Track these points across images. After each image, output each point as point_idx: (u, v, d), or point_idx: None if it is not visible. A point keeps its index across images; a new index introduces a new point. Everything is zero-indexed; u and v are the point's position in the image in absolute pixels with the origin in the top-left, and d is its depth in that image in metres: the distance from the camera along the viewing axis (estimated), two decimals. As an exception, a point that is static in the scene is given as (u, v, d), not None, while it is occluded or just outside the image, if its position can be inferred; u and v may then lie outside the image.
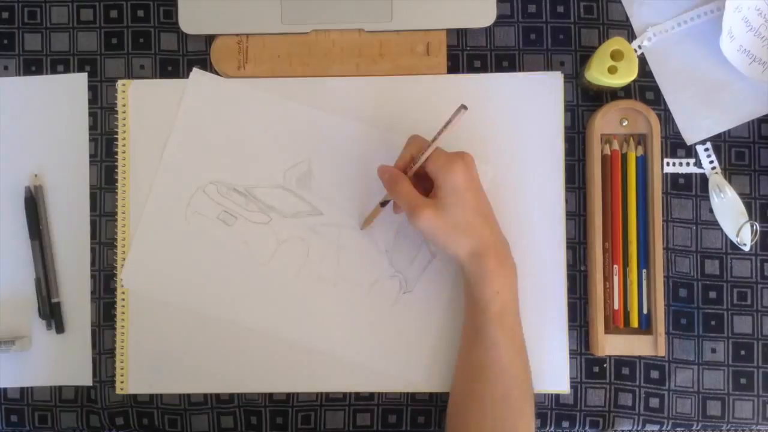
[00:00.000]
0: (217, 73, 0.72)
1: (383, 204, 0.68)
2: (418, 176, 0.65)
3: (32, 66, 0.73)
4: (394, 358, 0.70)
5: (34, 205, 0.71)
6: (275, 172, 0.71)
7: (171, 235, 0.71)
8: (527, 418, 0.63)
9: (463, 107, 0.60)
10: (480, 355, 0.63)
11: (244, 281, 0.70)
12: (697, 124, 0.71)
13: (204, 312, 0.70)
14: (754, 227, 0.70)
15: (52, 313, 0.71)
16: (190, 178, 0.71)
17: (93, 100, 0.73)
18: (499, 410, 0.62)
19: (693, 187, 0.71)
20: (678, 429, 0.70)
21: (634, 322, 0.69)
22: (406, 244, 0.70)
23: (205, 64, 0.72)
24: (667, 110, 0.71)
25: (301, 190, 0.71)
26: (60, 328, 0.71)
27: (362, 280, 0.70)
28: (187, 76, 0.72)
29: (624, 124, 0.70)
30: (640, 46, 0.71)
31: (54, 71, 0.73)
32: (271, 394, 0.71)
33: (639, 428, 0.70)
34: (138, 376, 0.71)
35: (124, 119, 0.72)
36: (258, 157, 0.71)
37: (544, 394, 0.70)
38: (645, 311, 0.69)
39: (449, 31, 0.72)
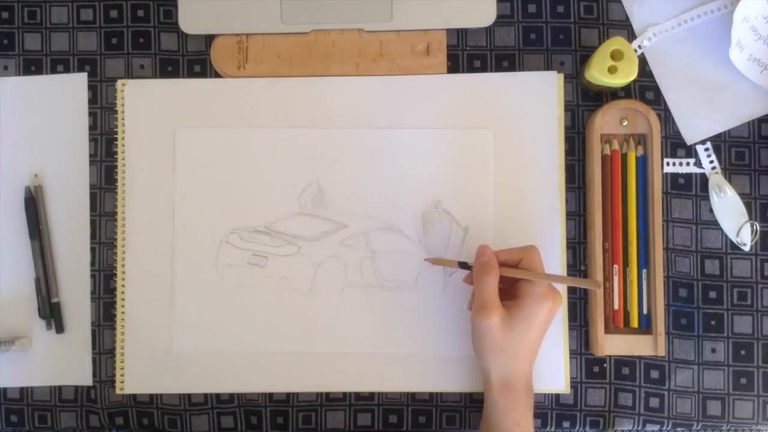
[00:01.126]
0: (217, 74, 0.72)
1: (461, 266, 0.67)
2: (503, 282, 0.64)
3: (32, 66, 0.73)
4: (459, 343, 0.70)
5: (33, 205, 0.71)
6: (288, 201, 0.70)
7: (209, 293, 0.70)
8: None
9: (598, 284, 0.62)
10: None
11: (291, 313, 0.70)
12: (697, 123, 0.71)
13: (259, 351, 0.70)
14: (754, 227, 0.70)
15: (51, 313, 0.71)
16: (209, 233, 0.71)
17: (93, 100, 0.73)
18: None
19: (693, 187, 0.71)
20: (678, 429, 0.70)
21: (634, 322, 0.69)
22: (436, 230, 0.70)
23: (205, 64, 0.72)
24: (667, 110, 0.71)
25: (318, 211, 0.71)
26: (60, 328, 0.71)
27: (406, 276, 0.70)
28: (187, 76, 0.72)
29: (624, 123, 0.70)
30: (640, 46, 0.71)
31: (54, 71, 0.73)
32: (271, 394, 0.71)
33: (639, 428, 0.70)
34: (138, 376, 0.71)
35: (124, 119, 0.72)
36: (267, 193, 0.71)
37: (544, 394, 0.70)
38: (645, 311, 0.69)
39: (449, 31, 0.72)
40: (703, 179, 0.71)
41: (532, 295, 0.62)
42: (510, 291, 0.65)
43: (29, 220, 0.71)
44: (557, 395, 0.70)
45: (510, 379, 0.63)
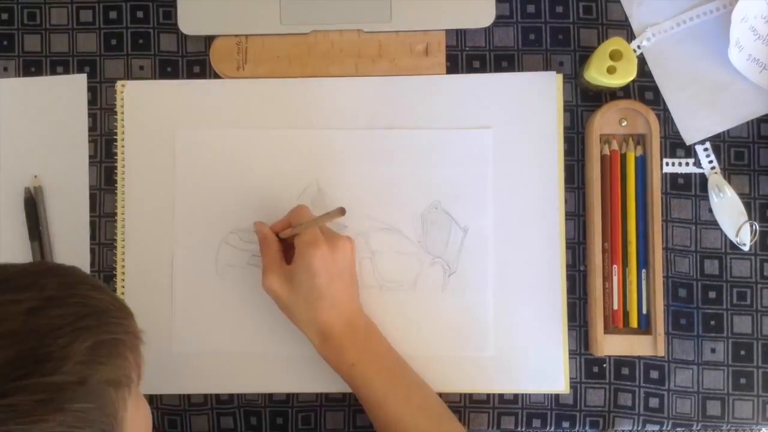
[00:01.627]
0: (217, 75, 0.72)
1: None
2: (292, 245, 0.65)
3: (32, 67, 0.73)
4: (459, 343, 0.70)
5: (33, 206, 0.71)
6: (288, 202, 0.70)
7: (208, 294, 0.71)
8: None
9: (341, 211, 0.60)
10: (377, 422, 0.64)
11: None
12: (697, 124, 0.71)
13: (258, 351, 0.70)
14: (754, 227, 0.70)
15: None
16: (209, 234, 0.71)
17: (92, 101, 0.73)
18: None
19: (692, 187, 0.71)
20: (678, 429, 0.70)
21: (634, 322, 0.69)
22: (435, 229, 0.70)
23: (205, 65, 0.72)
24: (666, 110, 0.71)
25: (317, 211, 0.71)
26: None
27: (405, 276, 0.70)
28: (187, 77, 0.72)
29: (623, 124, 0.70)
30: (639, 46, 0.71)
31: (53, 72, 0.73)
32: (271, 395, 0.71)
33: (639, 428, 0.70)
34: (138, 376, 0.71)
35: (123, 120, 0.72)
36: (267, 193, 0.71)
37: (544, 395, 0.70)
38: (644, 311, 0.69)
39: (448, 32, 0.72)
40: (703, 179, 0.71)
41: (298, 246, 0.63)
42: None
43: (29, 221, 0.71)
44: (557, 395, 0.70)
45: (322, 329, 0.63)
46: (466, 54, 0.72)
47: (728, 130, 0.71)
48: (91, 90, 0.73)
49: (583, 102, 0.72)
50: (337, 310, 0.64)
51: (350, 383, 0.64)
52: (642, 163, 0.70)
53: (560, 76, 0.71)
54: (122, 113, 0.72)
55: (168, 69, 0.73)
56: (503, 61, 0.72)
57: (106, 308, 0.48)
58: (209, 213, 0.71)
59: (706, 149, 0.71)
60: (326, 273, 0.62)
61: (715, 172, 0.71)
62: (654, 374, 0.70)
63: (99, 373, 0.45)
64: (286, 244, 0.66)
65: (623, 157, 0.70)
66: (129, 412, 0.48)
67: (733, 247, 0.71)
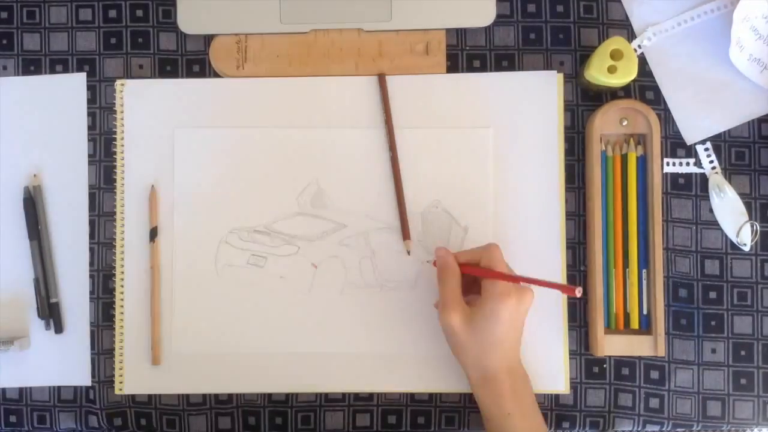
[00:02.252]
0: (216, 73, 0.72)
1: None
2: (468, 278, 0.65)
3: (31, 66, 0.73)
4: None
5: (32, 206, 0.71)
6: (288, 201, 0.70)
7: (208, 294, 0.70)
8: None
9: (579, 290, 0.59)
10: None
11: (291, 313, 0.70)
12: (697, 123, 0.71)
13: (258, 351, 0.70)
14: (754, 227, 0.70)
15: (50, 313, 0.71)
16: (208, 233, 0.71)
17: (92, 100, 0.72)
18: None
19: (693, 187, 0.71)
20: (678, 429, 0.70)
21: (634, 323, 0.69)
22: (435, 228, 0.70)
23: (204, 64, 0.72)
24: (667, 110, 0.71)
25: (318, 210, 0.70)
26: (59, 328, 0.71)
27: (405, 275, 0.70)
28: (186, 76, 0.72)
29: (624, 123, 0.70)
30: (639, 46, 0.71)
31: (53, 71, 0.73)
32: (270, 395, 0.71)
33: (639, 429, 0.70)
34: (137, 376, 0.70)
35: (123, 119, 0.72)
36: (266, 193, 0.71)
37: (544, 395, 0.70)
38: (645, 311, 0.69)
39: (448, 31, 0.72)
40: (703, 179, 0.71)
41: (491, 293, 0.62)
42: (475, 288, 0.65)
43: (28, 221, 0.71)
44: (557, 396, 0.70)
45: (487, 373, 0.63)
46: (467, 53, 0.72)
47: (729, 130, 0.71)
48: (91, 89, 0.73)
49: (583, 101, 0.72)
50: (506, 358, 0.64)
51: (494, 426, 0.63)
52: (643, 163, 0.69)
53: (561, 76, 0.71)
54: (122, 112, 0.72)
55: (167, 68, 0.73)
56: (503, 60, 0.72)
57: None
58: (209, 212, 0.71)
59: (706, 149, 0.71)
60: (510, 323, 0.62)
61: (716, 172, 0.71)
62: (654, 374, 0.70)
63: None
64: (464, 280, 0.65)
65: (624, 157, 0.70)
66: None
67: (734, 247, 0.70)
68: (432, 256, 0.70)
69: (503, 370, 0.63)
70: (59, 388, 0.71)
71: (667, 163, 0.71)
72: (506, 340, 0.63)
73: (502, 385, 0.63)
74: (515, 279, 0.63)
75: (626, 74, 0.67)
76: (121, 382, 0.70)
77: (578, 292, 0.59)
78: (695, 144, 0.71)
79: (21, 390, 0.72)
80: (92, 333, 0.71)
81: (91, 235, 0.72)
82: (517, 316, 0.63)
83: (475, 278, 0.65)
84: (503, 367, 0.63)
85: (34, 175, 0.72)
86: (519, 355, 0.66)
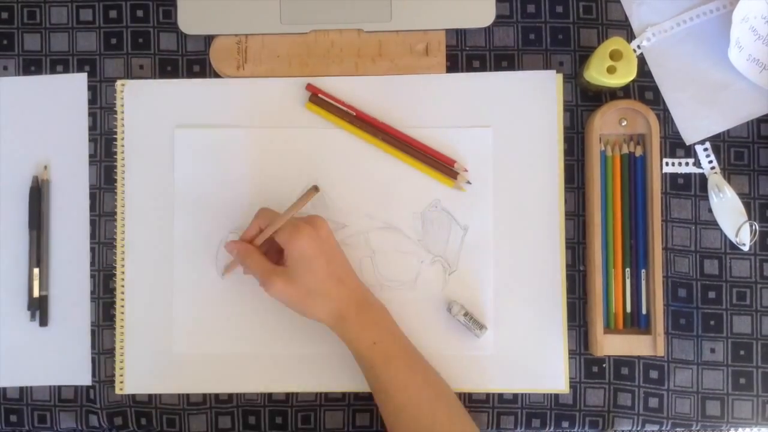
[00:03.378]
0: (216, 74, 0.72)
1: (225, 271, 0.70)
2: (273, 246, 0.65)
3: (32, 66, 0.73)
4: (459, 342, 0.69)
5: (38, 196, 0.71)
6: (288, 201, 0.70)
7: (208, 293, 0.71)
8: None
9: (315, 188, 0.60)
10: (393, 404, 0.63)
11: (291, 313, 0.69)
12: (697, 124, 0.71)
13: (258, 351, 0.70)
14: (753, 227, 0.70)
15: (39, 305, 0.71)
16: (209, 234, 0.71)
17: (92, 101, 0.73)
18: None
19: (692, 187, 0.71)
20: (677, 429, 0.70)
21: (634, 323, 0.69)
22: (435, 228, 0.70)
23: (205, 64, 0.73)
24: (666, 110, 0.71)
25: (318, 210, 0.70)
26: (44, 321, 0.71)
27: (406, 275, 0.70)
28: (187, 76, 0.72)
29: (623, 124, 0.70)
30: (639, 46, 0.71)
31: (53, 71, 0.73)
32: (270, 394, 0.71)
33: (638, 428, 0.70)
34: (137, 376, 0.71)
35: (123, 119, 0.72)
36: (266, 193, 0.71)
37: (543, 394, 0.70)
38: (644, 311, 0.69)
39: (448, 31, 0.72)
40: (703, 179, 0.71)
41: (284, 239, 0.63)
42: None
43: (31, 210, 0.71)
44: (556, 395, 0.70)
45: (338, 312, 0.63)
46: (466, 54, 0.72)
47: (728, 130, 0.71)
48: (91, 89, 0.73)
49: (583, 102, 0.72)
50: (346, 287, 0.64)
51: (370, 364, 0.63)
52: (642, 163, 0.70)
53: (560, 76, 0.71)
54: (122, 112, 0.72)
55: (168, 68, 0.73)
56: (503, 60, 0.72)
57: None
58: (209, 212, 0.71)
59: (705, 149, 0.71)
60: (321, 253, 0.63)
61: (715, 172, 0.71)
62: (653, 374, 0.70)
63: None
64: (265, 249, 0.66)
65: (623, 157, 0.70)
66: None
67: (733, 247, 0.71)
68: (433, 256, 0.70)
69: (352, 302, 0.64)
70: (60, 387, 0.72)
71: (667, 164, 0.71)
72: (332, 271, 0.63)
73: (357, 317, 0.63)
74: (284, 214, 0.63)
75: (625, 75, 0.67)
76: (121, 382, 0.71)
77: (316, 188, 0.60)
78: (694, 144, 0.71)
79: (21, 389, 0.72)
80: (93, 333, 0.71)
81: (92, 235, 0.72)
82: (321, 242, 0.63)
83: (278, 253, 0.65)
84: (352, 299, 0.64)
85: (45, 167, 0.72)
86: (361, 284, 0.66)
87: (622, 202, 0.70)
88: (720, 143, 0.71)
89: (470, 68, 0.72)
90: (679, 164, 0.71)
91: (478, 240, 0.70)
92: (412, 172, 0.70)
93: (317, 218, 0.64)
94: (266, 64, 0.72)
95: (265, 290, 0.63)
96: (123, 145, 0.72)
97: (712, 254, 0.71)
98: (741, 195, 0.70)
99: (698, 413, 0.70)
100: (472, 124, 0.71)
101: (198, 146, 0.71)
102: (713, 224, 0.71)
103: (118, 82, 0.72)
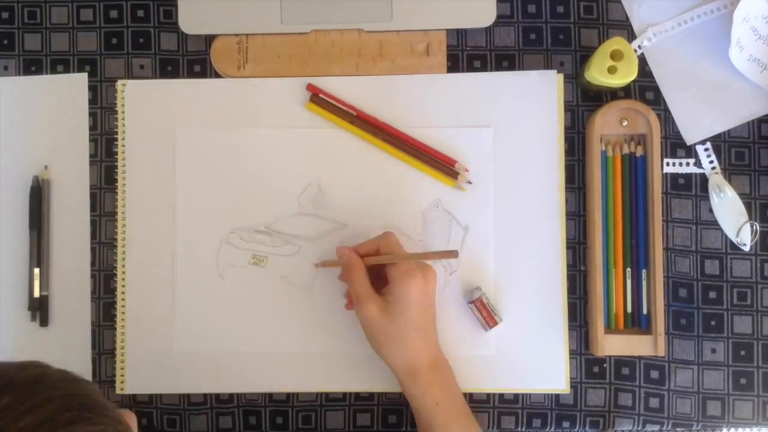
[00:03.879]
0: (217, 74, 0.72)
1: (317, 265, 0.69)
2: (374, 271, 0.65)
3: (32, 66, 0.73)
4: (460, 342, 0.69)
5: (39, 195, 0.71)
6: (288, 201, 0.70)
7: (209, 293, 0.71)
8: None
9: (455, 253, 0.61)
10: None
11: (292, 313, 0.70)
12: (697, 124, 0.71)
13: (259, 351, 0.70)
14: (754, 227, 0.70)
15: (40, 305, 0.71)
16: (209, 233, 0.71)
17: (93, 100, 0.73)
18: None
19: (693, 187, 0.71)
20: (678, 429, 0.70)
21: (634, 323, 0.69)
22: (435, 229, 0.70)
23: (205, 64, 0.72)
24: (666, 110, 0.71)
25: (318, 210, 0.71)
26: (44, 321, 0.71)
27: None
28: (187, 76, 0.72)
29: (624, 124, 0.70)
30: (640, 46, 0.71)
31: (54, 71, 0.73)
32: (270, 394, 0.71)
33: (639, 428, 0.70)
34: (138, 376, 0.71)
35: (124, 119, 0.72)
36: (267, 193, 0.71)
37: (544, 394, 0.70)
38: (645, 311, 0.69)
39: (449, 31, 0.72)
40: (703, 179, 0.71)
41: (396, 276, 0.62)
42: (384, 279, 0.65)
43: (31, 210, 0.71)
44: (557, 395, 0.70)
45: (412, 364, 0.63)
46: (467, 54, 0.72)
47: (729, 130, 0.71)
48: (92, 89, 0.73)
49: (583, 102, 0.72)
50: (427, 344, 0.64)
51: (428, 424, 0.63)
52: (642, 163, 0.70)
53: (561, 76, 0.71)
54: (123, 112, 0.72)
55: (168, 68, 0.73)
56: (504, 60, 0.72)
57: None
58: (210, 212, 0.71)
59: (706, 149, 0.71)
60: (422, 305, 0.63)
61: (716, 172, 0.71)
62: (654, 374, 0.70)
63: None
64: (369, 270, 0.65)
65: (624, 157, 0.70)
66: None
67: (734, 247, 0.71)
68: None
69: (428, 360, 0.64)
70: (60, 387, 0.71)
71: (667, 164, 0.71)
72: (423, 324, 0.63)
73: (428, 375, 0.63)
74: (412, 257, 0.64)
75: (626, 75, 0.67)
76: (122, 382, 0.71)
77: (455, 254, 0.60)
78: (695, 144, 0.71)
79: (22, 389, 0.72)
80: (93, 333, 0.71)
81: (93, 235, 0.72)
82: (425, 295, 0.63)
83: (378, 275, 0.65)
84: (427, 357, 0.64)
85: (45, 167, 0.72)
86: (438, 342, 0.66)
87: (622, 202, 0.70)
88: (721, 143, 0.71)
89: (471, 68, 0.72)
90: (680, 164, 0.71)
91: (478, 240, 0.70)
92: (412, 172, 0.71)
93: (431, 270, 0.64)
94: (267, 64, 0.72)
95: (357, 311, 0.63)
96: (123, 145, 0.72)
97: (712, 254, 0.71)
98: (742, 195, 0.70)
99: (699, 413, 0.70)
100: (473, 124, 0.71)
101: (198, 146, 0.71)
102: (714, 224, 0.71)
103: (119, 82, 0.72)
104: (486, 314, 0.68)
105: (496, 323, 0.68)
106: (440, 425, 0.63)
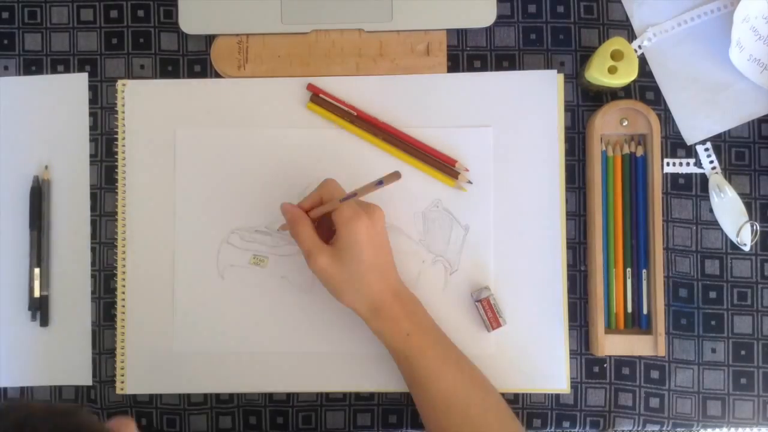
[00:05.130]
0: (217, 74, 0.72)
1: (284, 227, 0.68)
2: (324, 223, 0.65)
3: (32, 66, 0.73)
4: (460, 341, 0.69)
5: (39, 196, 0.71)
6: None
7: (209, 294, 0.71)
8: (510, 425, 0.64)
9: (397, 174, 0.60)
10: (429, 395, 0.63)
11: (292, 313, 0.70)
12: (697, 124, 0.71)
13: (259, 351, 0.70)
14: (754, 227, 0.70)
15: (39, 305, 0.71)
16: (210, 233, 0.71)
17: (93, 100, 0.73)
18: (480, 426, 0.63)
19: (693, 187, 0.71)
20: (678, 429, 0.70)
21: (635, 323, 0.69)
22: (436, 228, 0.70)
23: (206, 64, 0.72)
24: (667, 110, 0.71)
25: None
26: (44, 321, 0.71)
27: (407, 274, 0.69)
28: (188, 76, 0.72)
29: (624, 124, 0.70)
30: (640, 46, 0.71)
31: (54, 71, 0.73)
32: (271, 394, 0.71)
33: (639, 428, 0.70)
34: (138, 376, 0.70)
35: (124, 119, 0.72)
36: (267, 193, 0.71)
37: (544, 394, 0.70)
38: (645, 311, 0.69)
39: (449, 31, 0.72)
40: (703, 179, 0.71)
41: (341, 221, 0.62)
42: (333, 230, 0.65)
43: (32, 210, 0.71)
44: (557, 395, 0.70)
45: (373, 302, 0.63)
46: (467, 54, 0.72)
47: (729, 130, 0.71)
48: (92, 89, 0.73)
49: (584, 102, 0.72)
50: (386, 281, 0.64)
51: (404, 356, 0.64)
52: (643, 163, 0.70)
53: (561, 75, 0.71)
54: (123, 112, 0.72)
55: (169, 68, 0.73)
56: (504, 61, 0.72)
57: None
58: (210, 212, 0.71)
59: (706, 149, 0.71)
60: (372, 245, 0.62)
61: (716, 172, 0.71)
62: (654, 374, 0.70)
63: None
64: (317, 223, 0.65)
65: (624, 157, 0.70)
66: None
67: (734, 247, 0.71)
68: (434, 256, 0.70)
69: (388, 294, 0.64)
70: (60, 387, 0.72)
71: (668, 163, 0.71)
72: (377, 263, 0.63)
73: (392, 308, 0.63)
74: (351, 195, 0.62)
75: (626, 75, 0.67)
76: (122, 382, 0.70)
77: (398, 174, 0.60)
78: (695, 144, 0.71)
79: (22, 390, 0.72)
80: (93, 333, 0.71)
81: (93, 235, 0.72)
82: (375, 234, 0.63)
83: (329, 226, 0.65)
84: (388, 292, 0.64)
85: (45, 167, 0.72)
86: (398, 278, 0.66)
87: (623, 202, 0.70)
88: (721, 143, 0.71)
89: (471, 68, 0.72)
90: (680, 164, 0.71)
91: (479, 240, 0.70)
92: (413, 172, 0.71)
93: (377, 209, 0.64)
94: (267, 64, 0.72)
95: (309, 264, 0.63)
96: (124, 145, 0.72)
97: (713, 254, 0.71)
98: (742, 195, 0.70)
99: (699, 413, 0.70)
100: (473, 124, 0.71)
101: (199, 146, 0.71)
102: (714, 224, 0.71)
103: (119, 82, 0.72)
104: (491, 315, 0.68)
105: (499, 325, 0.68)
106: (416, 355, 0.63)
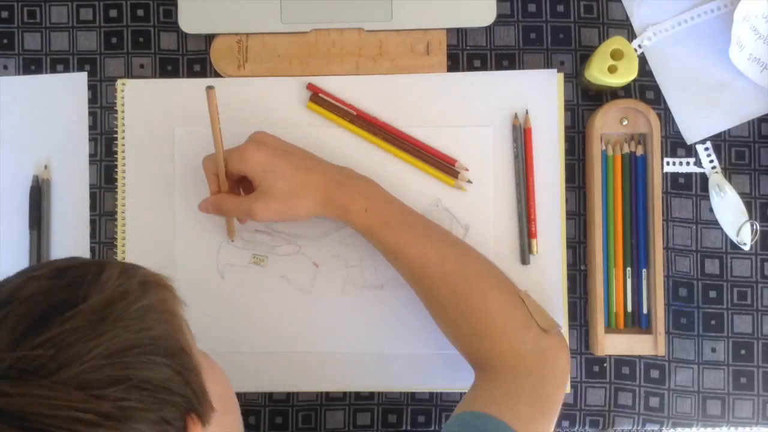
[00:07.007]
0: (217, 73, 0.72)
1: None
2: (242, 185, 0.67)
3: (32, 65, 0.73)
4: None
5: (38, 195, 0.71)
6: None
7: (210, 293, 0.71)
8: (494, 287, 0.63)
9: (209, 87, 0.61)
10: (405, 265, 0.64)
11: (292, 313, 0.70)
12: (697, 123, 0.71)
13: (259, 350, 0.70)
14: (754, 227, 0.70)
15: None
16: (210, 233, 0.71)
17: (93, 100, 0.73)
18: (464, 288, 0.63)
19: (693, 187, 0.71)
20: (678, 429, 0.70)
21: (634, 322, 0.69)
22: None
23: (205, 64, 0.72)
24: (667, 109, 0.71)
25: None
26: None
27: None
28: (187, 76, 0.72)
29: (624, 123, 0.70)
30: (640, 46, 0.71)
31: (54, 70, 0.73)
32: (270, 394, 0.71)
33: (639, 428, 0.70)
34: (138, 375, 0.70)
35: (123, 119, 0.72)
36: None
37: (544, 394, 0.70)
38: (645, 311, 0.69)
39: (449, 31, 0.72)
40: (703, 179, 0.71)
41: (238, 169, 0.63)
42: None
43: (31, 209, 0.71)
44: (557, 395, 0.70)
45: (319, 200, 0.63)
46: (467, 53, 0.72)
47: (729, 130, 0.71)
48: (92, 88, 0.73)
49: (583, 101, 0.72)
50: (320, 172, 0.64)
51: (370, 233, 0.64)
52: (643, 163, 0.70)
53: (561, 75, 0.71)
54: (122, 112, 0.72)
55: (168, 67, 0.73)
56: (504, 60, 0.72)
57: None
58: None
59: (706, 148, 0.71)
60: (276, 157, 0.63)
61: (716, 172, 0.71)
62: (654, 374, 0.70)
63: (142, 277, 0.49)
64: (238, 192, 0.67)
65: (624, 156, 0.70)
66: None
67: (734, 246, 0.71)
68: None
69: (334, 181, 0.64)
70: (60, 387, 0.71)
71: (668, 163, 0.71)
72: (297, 162, 0.64)
73: (341, 194, 0.63)
74: (217, 143, 0.63)
75: (626, 74, 0.67)
76: (122, 382, 0.70)
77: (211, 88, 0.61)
78: (695, 143, 0.71)
79: (22, 389, 0.72)
80: (93, 332, 0.71)
81: (92, 235, 0.72)
82: (272, 148, 0.64)
83: (245, 187, 0.67)
84: (326, 182, 0.64)
85: (45, 167, 0.72)
86: (338, 167, 0.66)
87: (623, 202, 0.70)
88: (721, 143, 0.71)
89: (471, 67, 0.72)
90: (680, 164, 0.71)
91: (479, 239, 0.70)
92: (412, 172, 0.70)
93: (257, 132, 0.65)
94: (267, 63, 0.72)
95: (256, 219, 0.64)
96: (123, 145, 0.72)
97: (713, 254, 0.71)
98: (742, 194, 0.70)
99: (699, 413, 0.70)
100: (473, 123, 0.71)
101: (198, 145, 0.71)
102: (714, 224, 0.71)
103: (119, 82, 0.72)
104: None
105: None
106: (380, 228, 0.63)
